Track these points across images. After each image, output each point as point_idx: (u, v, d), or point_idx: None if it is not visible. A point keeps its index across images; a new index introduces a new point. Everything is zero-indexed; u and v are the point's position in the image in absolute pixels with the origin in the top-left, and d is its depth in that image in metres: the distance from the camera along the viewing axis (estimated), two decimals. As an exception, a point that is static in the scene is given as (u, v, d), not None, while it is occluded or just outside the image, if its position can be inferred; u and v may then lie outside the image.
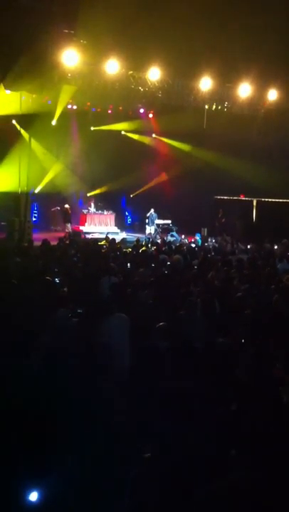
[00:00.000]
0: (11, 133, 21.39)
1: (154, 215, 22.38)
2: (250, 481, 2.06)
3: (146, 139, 26.27)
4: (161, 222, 22.84)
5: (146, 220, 22.48)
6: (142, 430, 2.71)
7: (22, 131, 21.85)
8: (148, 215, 22.37)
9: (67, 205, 22.27)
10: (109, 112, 24.49)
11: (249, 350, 5.06)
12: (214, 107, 21.48)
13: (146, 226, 22.40)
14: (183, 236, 21.03)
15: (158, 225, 22.70)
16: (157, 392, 2.92)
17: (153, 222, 22.36)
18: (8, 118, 21.41)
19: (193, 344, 4.79)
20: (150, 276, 9.86)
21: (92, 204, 22.49)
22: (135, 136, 26.23)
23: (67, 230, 20.74)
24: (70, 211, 22.04)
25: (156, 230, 22.44)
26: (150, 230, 22.23)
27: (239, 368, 4.40)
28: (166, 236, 21.36)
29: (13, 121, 21.91)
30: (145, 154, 26.12)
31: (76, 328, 5.70)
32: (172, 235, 21.33)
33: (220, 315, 7.61)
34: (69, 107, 22.94)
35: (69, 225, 21.38)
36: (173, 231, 21.64)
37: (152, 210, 22.33)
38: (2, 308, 6.30)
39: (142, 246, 16.04)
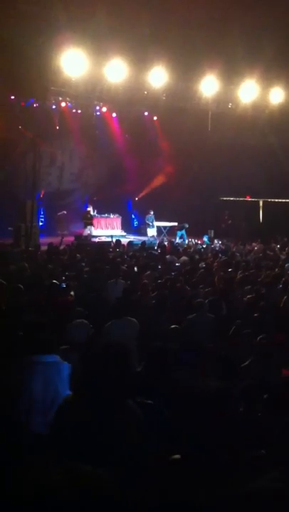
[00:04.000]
0: (16, 137, 21.45)
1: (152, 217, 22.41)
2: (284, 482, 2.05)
3: (149, 142, 26.27)
4: (168, 224, 22.82)
5: (148, 223, 22.45)
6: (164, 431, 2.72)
7: (28, 135, 21.93)
8: (148, 217, 22.35)
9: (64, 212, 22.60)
10: (114, 115, 24.55)
11: (257, 351, 5.03)
12: (218, 108, 21.49)
13: (148, 229, 22.35)
14: (190, 239, 21.00)
15: (164, 227, 22.69)
16: (175, 392, 2.94)
17: (153, 224, 22.37)
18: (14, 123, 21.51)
19: (203, 345, 4.79)
20: (157, 279, 9.86)
21: (91, 208, 22.42)
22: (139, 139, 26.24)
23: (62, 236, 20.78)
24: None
25: (162, 232, 22.43)
26: (152, 231, 22.20)
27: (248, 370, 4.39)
28: (175, 236, 21.34)
29: (20, 127, 21.98)
30: (150, 157, 26.13)
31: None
32: (182, 236, 21.28)
33: (226, 316, 7.60)
34: (73, 111, 23.02)
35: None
36: (183, 229, 21.48)
37: (152, 212, 22.31)
38: (8, 313, 6.30)
39: (149, 248, 16.05)
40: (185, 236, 21.35)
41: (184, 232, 21.50)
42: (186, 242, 20.24)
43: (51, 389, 3.51)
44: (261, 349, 4.96)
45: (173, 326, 6.01)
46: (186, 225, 21.50)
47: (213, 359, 4.05)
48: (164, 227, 22.75)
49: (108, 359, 2.84)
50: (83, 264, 11.80)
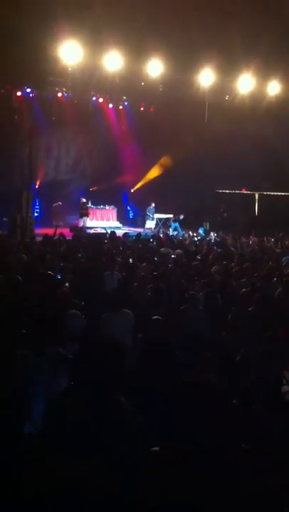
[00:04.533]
0: (12, 128, 21.33)
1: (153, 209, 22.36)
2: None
3: (146, 133, 26.17)
4: (163, 216, 22.80)
5: (149, 214, 22.40)
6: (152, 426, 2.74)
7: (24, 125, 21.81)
8: (149, 208, 22.30)
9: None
10: (111, 106, 24.45)
11: (254, 345, 5.07)
12: (215, 100, 21.43)
13: (147, 220, 22.31)
14: (185, 231, 21.01)
15: (160, 219, 22.67)
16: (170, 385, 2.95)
17: (153, 217, 22.34)
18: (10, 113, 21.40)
19: (196, 337, 4.80)
20: (153, 271, 9.88)
21: (85, 200, 22.34)
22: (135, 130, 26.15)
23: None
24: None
25: (158, 224, 22.43)
26: (150, 224, 22.18)
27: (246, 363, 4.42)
28: (169, 228, 21.35)
29: (16, 117, 21.86)
30: (146, 148, 26.07)
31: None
32: (175, 228, 21.28)
33: (222, 309, 7.63)
34: (70, 101, 22.89)
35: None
36: (177, 221, 21.47)
37: (153, 204, 22.26)
38: (8, 305, 6.31)
39: (144, 240, 16.04)
40: (179, 228, 21.35)
41: (177, 224, 21.52)
42: (182, 234, 20.25)
43: (55, 381, 3.50)
44: (264, 345, 4.99)
45: (156, 317, 5.95)
46: (181, 216, 21.47)
47: (209, 352, 4.08)
48: (160, 219, 22.75)
49: (103, 355, 2.86)
50: (79, 255, 11.81)
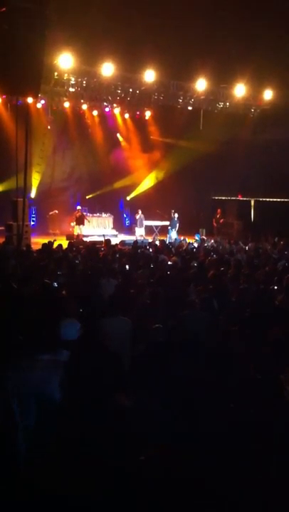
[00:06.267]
0: (8, 136, 21.38)
1: (142, 216, 22.31)
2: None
3: (141, 141, 26.27)
4: (159, 223, 22.78)
5: (137, 222, 22.33)
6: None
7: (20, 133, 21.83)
8: (137, 217, 22.27)
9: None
10: (106, 113, 24.57)
11: (253, 345, 5.06)
12: (210, 107, 21.55)
13: (136, 228, 22.25)
14: (182, 238, 20.99)
15: (156, 227, 22.66)
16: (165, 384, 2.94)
17: (142, 224, 22.29)
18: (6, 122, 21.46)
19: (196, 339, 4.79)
20: (149, 278, 9.87)
21: (81, 208, 22.33)
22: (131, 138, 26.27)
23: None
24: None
25: (154, 231, 22.42)
26: (140, 231, 22.11)
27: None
28: (167, 235, 21.33)
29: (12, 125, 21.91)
30: (142, 156, 26.18)
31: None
32: (170, 237, 21.27)
33: (218, 314, 7.62)
34: (65, 110, 22.99)
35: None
36: (175, 227, 21.45)
37: (140, 212, 22.22)
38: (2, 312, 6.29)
39: (141, 247, 16.04)
40: (175, 235, 21.30)
41: (175, 230, 21.51)
42: (179, 240, 20.21)
43: (49, 387, 3.44)
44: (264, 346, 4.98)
45: (157, 325, 5.90)
46: (176, 218, 21.45)
47: (208, 355, 4.08)
48: (156, 226, 22.74)
49: (100, 361, 2.83)
50: (77, 261, 11.80)
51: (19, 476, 1.90)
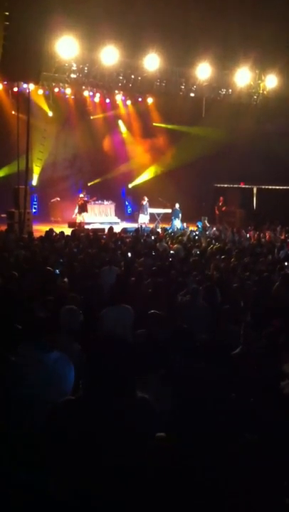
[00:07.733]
0: (9, 123, 21.26)
1: (148, 203, 22.19)
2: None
3: (143, 128, 26.11)
4: (162, 211, 22.67)
5: (142, 209, 22.21)
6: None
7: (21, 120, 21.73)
8: (144, 203, 22.14)
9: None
10: (108, 100, 24.41)
11: (255, 339, 5.05)
12: (212, 94, 21.35)
13: (141, 215, 22.14)
14: (185, 224, 20.92)
15: (158, 214, 22.57)
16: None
17: (147, 211, 22.20)
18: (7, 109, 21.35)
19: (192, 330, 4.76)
20: (151, 266, 9.86)
21: (84, 194, 22.21)
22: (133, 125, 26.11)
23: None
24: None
25: (157, 219, 22.34)
26: (144, 219, 22.02)
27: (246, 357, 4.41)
28: (171, 223, 21.24)
29: (13, 112, 21.77)
30: (144, 143, 26.05)
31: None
32: (172, 227, 21.18)
33: (221, 304, 7.61)
34: (66, 96, 22.84)
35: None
36: (178, 216, 21.36)
37: (146, 199, 22.10)
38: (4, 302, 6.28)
39: (143, 235, 16.02)
40: (179, 223, 21.20)
41: (178, 219, 21.41)
42: (182, 228, 20.13)
43: (52, 387, 3.33)
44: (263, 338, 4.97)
45: (153, 311, 5.80)
46: (178, 208, 21.34)
47: (208, 347, 4.06)
48: (158, 214, 22.65)
49: (115, 354, 2.71)
50: (75, 250, 11.79)
51: (19, 476, 1.88)
